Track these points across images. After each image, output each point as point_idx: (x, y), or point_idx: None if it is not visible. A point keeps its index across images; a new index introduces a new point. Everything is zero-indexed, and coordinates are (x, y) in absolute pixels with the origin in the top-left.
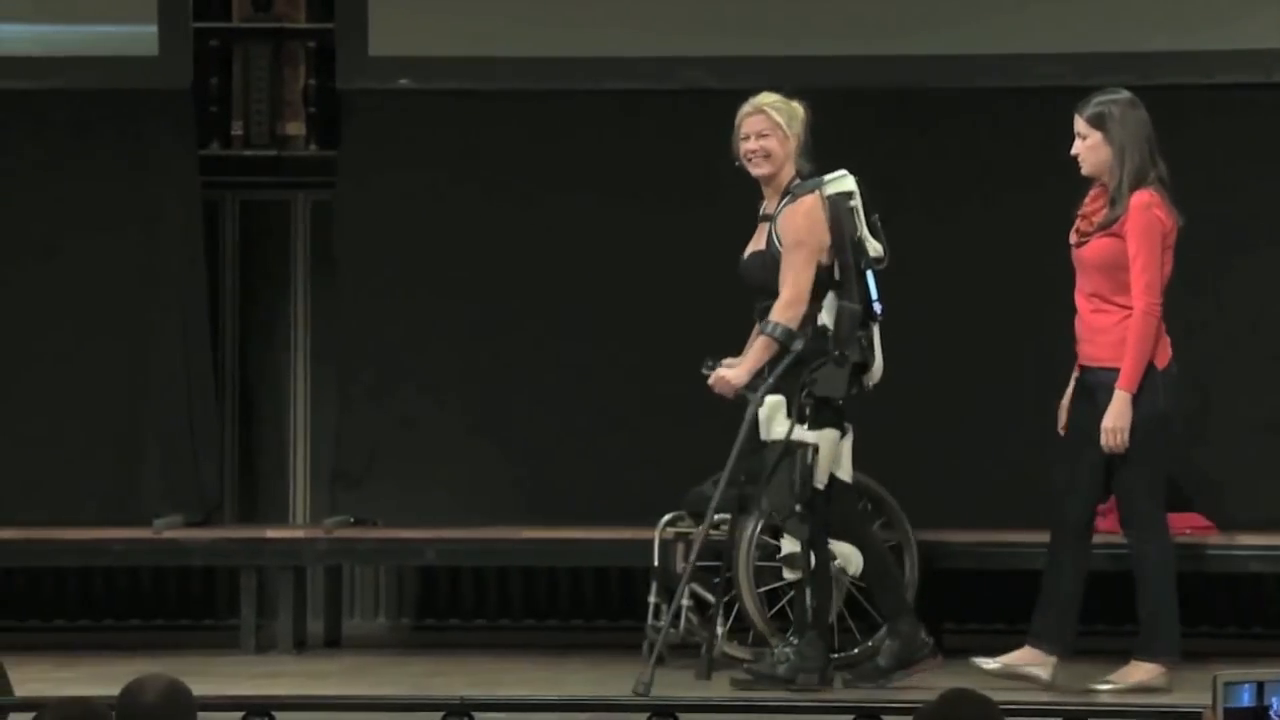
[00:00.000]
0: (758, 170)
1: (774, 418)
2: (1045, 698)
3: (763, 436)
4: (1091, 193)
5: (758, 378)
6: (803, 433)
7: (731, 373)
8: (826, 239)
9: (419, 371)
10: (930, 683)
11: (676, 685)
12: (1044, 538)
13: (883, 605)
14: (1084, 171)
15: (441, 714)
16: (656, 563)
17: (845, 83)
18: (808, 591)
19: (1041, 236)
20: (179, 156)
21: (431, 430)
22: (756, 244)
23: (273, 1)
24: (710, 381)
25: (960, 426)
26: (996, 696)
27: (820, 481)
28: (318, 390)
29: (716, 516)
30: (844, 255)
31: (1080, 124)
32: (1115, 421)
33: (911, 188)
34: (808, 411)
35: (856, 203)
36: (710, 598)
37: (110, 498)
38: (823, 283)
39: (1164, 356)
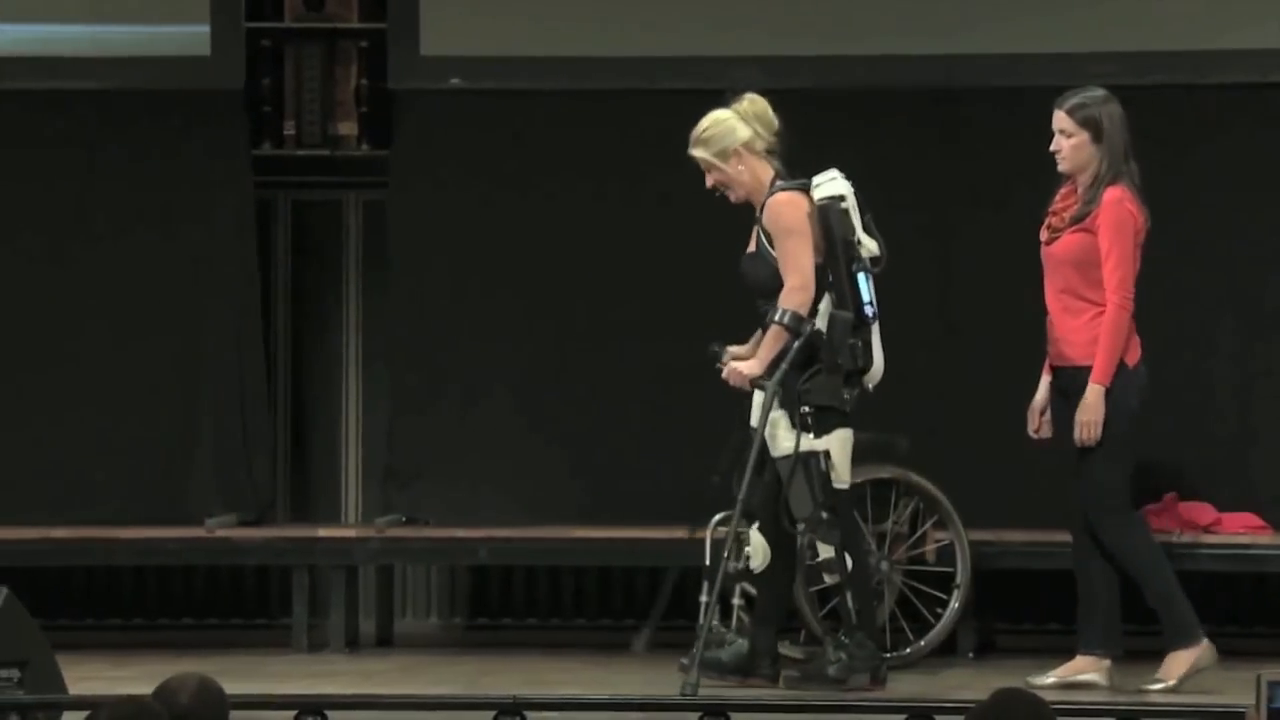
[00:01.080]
0: (733, 199)
1: (777, 433)
2: (1094, 697)
3: (772, 453)
4: (1063, 190)
5: (772, 366)
6: (810, 442)
7: (745, 365)
8: (814, 234)
9: (471, 370)
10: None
11: (727, 685)
12: None
13: (854, 614)
14: (1061, 168)
15: (493, 713)
16: (708, 562)
17: (893, 83)
18: (849, 594)
19: None
20: (231, 157)
21: (484, 429)
22: (750, 246)
23: (325, 1)
24: (724, 375)
25: (1016, 424)
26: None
27: (840, 483)
28: (370, 389)
29: None
30: (835, 261)
31: (1066, 122)
32: (1090, 415)
33: (963, 186)
34: (810, 421)
35: (849, 204)
36: None
37: (164, 497)
38: (818, 281)
39: (1134, 355)
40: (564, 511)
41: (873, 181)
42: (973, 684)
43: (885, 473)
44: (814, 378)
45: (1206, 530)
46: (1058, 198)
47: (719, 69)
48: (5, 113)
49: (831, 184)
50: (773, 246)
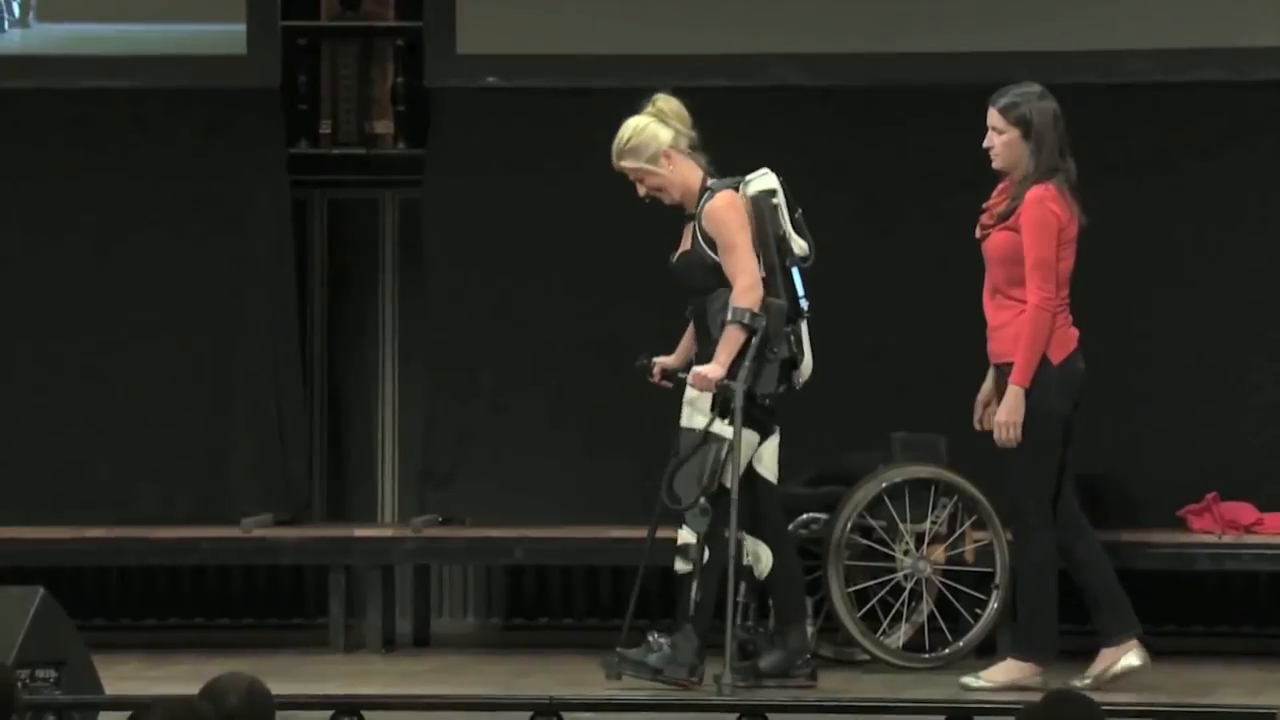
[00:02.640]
0: (667, 203)
1: (696, 407)
2: (1131, 698)
3: (683, 422)
4: (1000, 186)
5: (734, 366)
6: (722, 427)
7: (708, 368)
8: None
9: (507, 369)
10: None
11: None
12: (1148, 537)
13: (781, 611)
14: (995, 166)
15: (530, 714)
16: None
17: (933, 80)
18: (694, 585)
19: (1137, 228)
20: (268, 155)
21: (520, 428)
22: (684, 245)
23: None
24: (689, 380)
25: None
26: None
27: (729, 481)
28: (406, 389)
29: (806, 515)
30: (769, 252)
31: (997, 119)
32: (1008, 416)
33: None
34: (731, 406)
35: (780, 200)
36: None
37: (200, 497)
38: None
39: (1061, 352)
40: (601, 511)
41: (913, 174)
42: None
43: (924, 472)
44: (748, 365)
45: (1248, 530)
46: (994, 195)
47: (755, 66)
48: (42, 111)
49: (763, 179)
50: (710, 247)
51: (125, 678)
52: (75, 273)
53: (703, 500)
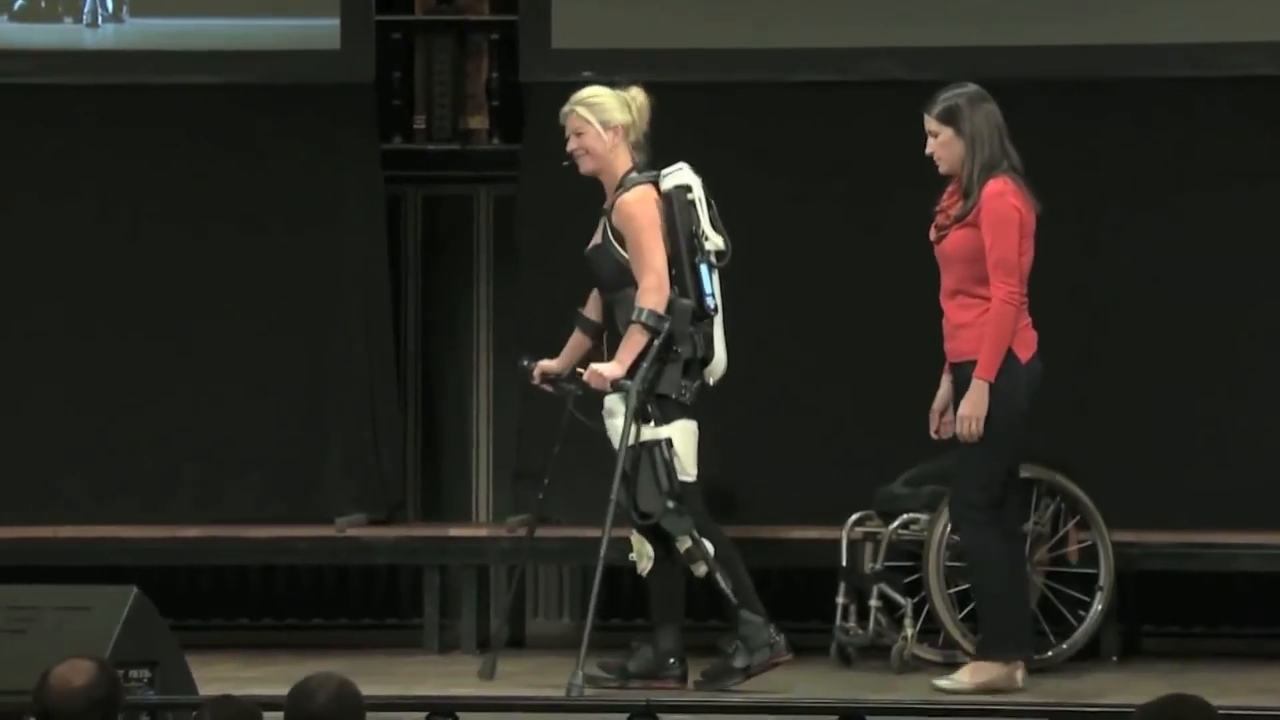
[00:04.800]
0: (583, 168)
1: (613, 419)
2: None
3: (614, 444)
4: (949, 188)
5: (633, 367)
6: (653, 430)
7: (606, 366)
8: (661, 223)
9: None
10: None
11: (865, 687)
12: (1245, 539)
13: (657, 610)
14: (941, 170)
15: (627, 715)
16: (844, 563)
17: (1030, 73)
18: (719, 576)
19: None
20: (361, 151)
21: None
22: (595, 238)
23: None
24: (585, 378)
25: (1161, 422)
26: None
27: (685, 474)
28: (500, 387)
29: (906, 516)
30: (677, 250)
31: (930, 122)
32: (972, 410)
33: (1110, 178)
34: (650, 409)
35: (695, 196)
36: (900, 599)
37: (293, 496)
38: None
39: (1027, 349)
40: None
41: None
42: (1116, 688)
43: (1027, 472)
44: (655, 367)
45: None
46: (944, 196)
47: (855, 60)
48: (136, 107)
49: (679, 174)
50: (620, 243)
51: (219, 678)
52: (167, 270)
53: (671, 504)
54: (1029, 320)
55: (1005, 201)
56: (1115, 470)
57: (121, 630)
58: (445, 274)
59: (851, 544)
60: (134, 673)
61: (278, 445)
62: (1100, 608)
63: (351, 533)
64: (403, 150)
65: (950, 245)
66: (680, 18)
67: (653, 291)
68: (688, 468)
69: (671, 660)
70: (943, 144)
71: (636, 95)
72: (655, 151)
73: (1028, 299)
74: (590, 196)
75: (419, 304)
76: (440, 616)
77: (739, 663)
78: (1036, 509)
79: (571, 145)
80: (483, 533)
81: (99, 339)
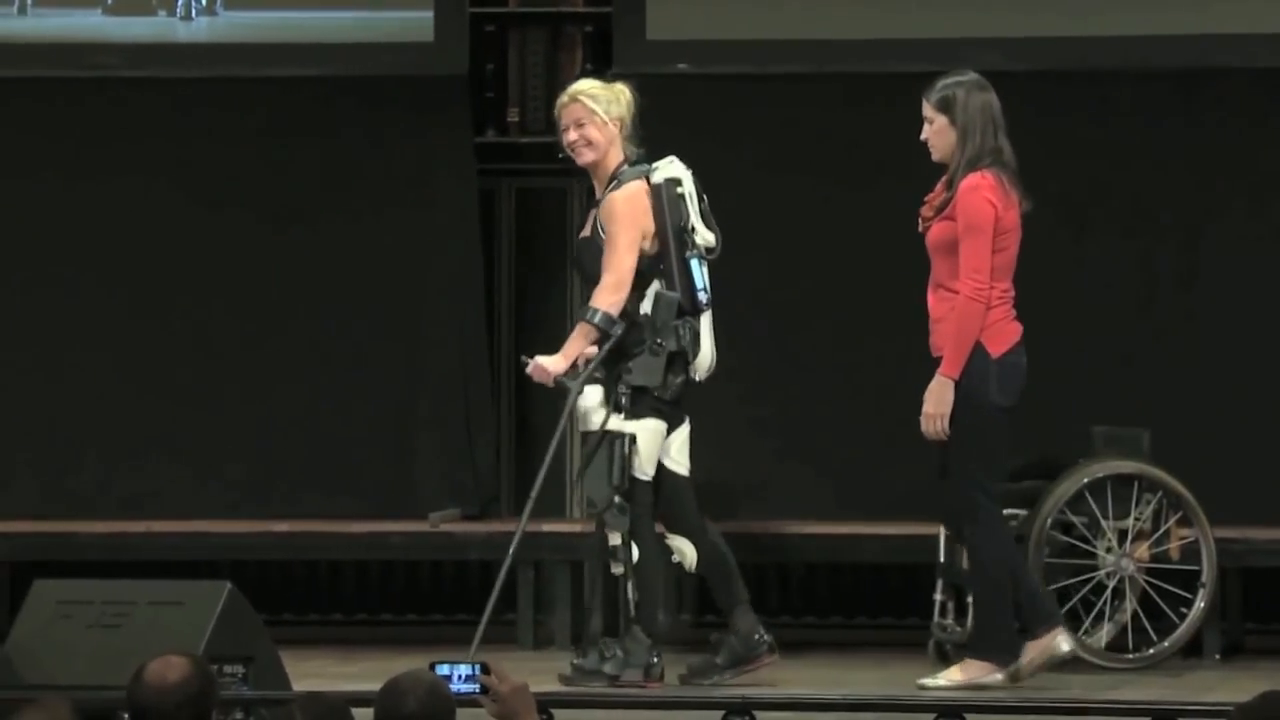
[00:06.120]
0: (582, 160)
1: (592, 409)
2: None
3: (580, 428)
4: (943, 179)
5: (575, 365)
6: (619, 423)
7: (549, 360)
8: (650, 225)
9: None
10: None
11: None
12: None
13: (719, 600)
14: (934, 157)
15: (722, 713)
16: (942, 559)
17: (1128, 63)
18: (630, 585)
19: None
20: (455, 143)
21: (708, 422)
22: (584, 230)
23: None
24: (529, 371)
25: (1263, 417)
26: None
27: (642, 473)
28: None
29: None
30: (665, 243)
31: (926, 108)
32: (933, 407)
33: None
34: (624, 401)
35: (685, 189)
36: None
37: (387, 491)
38: (646, 271)
39: (1001, 344)
40: (793, 507)
41: (1104, 160)
42: (1219, 687)
43: (1127, 468)
44: (637, 357)
45: None
46: (937, 187)
47: (950, 51)
48: (229, 100)
49: (669, 167)
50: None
51: (313, 674)
52: (259, 262)
53: (617, 499)
54: (1010, 314)
55: (979, 196)
56: (1218, 465)
57: (215, 625)
58: (539, 267)
59: (949, 540)
60: (228, 668)
61: (372, 440)
62: (1202, 605)
63: (445, 528)
64: (496, 143)
65: (931, 237)
66: (774, 9)
67: (609, 291)
68: (645, 466)
69: (756, 636)
70: (936, 131)
71: (624, 91)
72: (745, 141)
73: (1013, 292)
74: None
75: (513, 297)
76: (534, 612)
77: (609, 669)
78: (1138, 505)
79: (571, 136)
80: (576, 528)
81: (191, 335)
